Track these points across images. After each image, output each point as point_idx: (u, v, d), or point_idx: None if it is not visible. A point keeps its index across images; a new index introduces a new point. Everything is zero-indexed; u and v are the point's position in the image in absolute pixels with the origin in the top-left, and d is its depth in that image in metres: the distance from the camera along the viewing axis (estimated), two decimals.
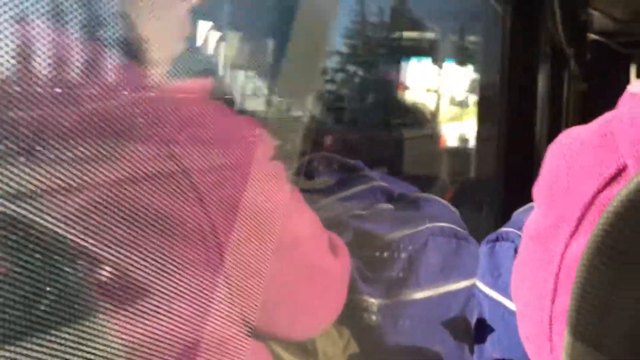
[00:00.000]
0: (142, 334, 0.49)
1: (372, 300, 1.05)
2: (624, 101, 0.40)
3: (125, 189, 0.48)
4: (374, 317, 1.05)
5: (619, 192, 0.23)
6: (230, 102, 0.63)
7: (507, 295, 0.94)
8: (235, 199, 0.56)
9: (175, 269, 0.52)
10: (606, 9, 3.56)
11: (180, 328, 0.52)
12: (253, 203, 0.58)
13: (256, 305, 0.62)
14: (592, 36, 4.07)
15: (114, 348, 0.47)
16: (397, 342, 1.06)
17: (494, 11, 1.80)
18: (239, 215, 0.56)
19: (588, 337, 0.25)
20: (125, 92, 0.48)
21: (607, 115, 0.42)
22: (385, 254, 1.09)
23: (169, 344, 0.51)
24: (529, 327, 0.52)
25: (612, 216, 0.23)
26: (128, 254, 0.49)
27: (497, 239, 1.11)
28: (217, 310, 0.55)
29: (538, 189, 0.55)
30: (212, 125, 0.54)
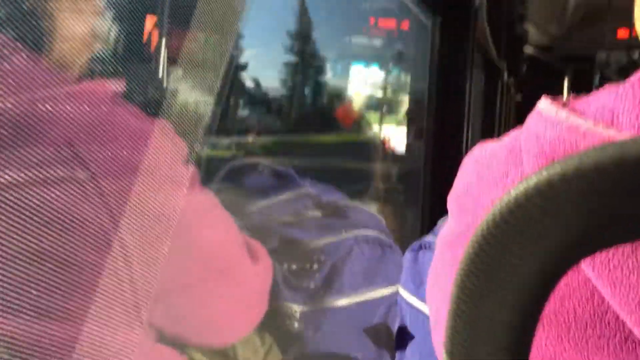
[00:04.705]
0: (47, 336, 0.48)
1: (295, 307, 1.05)
2: (532, 118, 0.41)
3: (27, 191, 0.46)
4: (296, 324, 1.05)
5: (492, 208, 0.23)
6: (151, 103, 0.62)
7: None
8: (143, 202, 0.55)
9: (78, 273, 0.50)
10: (541, 25, 3.68)
11: (84, 331, 0.50)
12: (161, 207, 0.57)
13: (166, 311, 0.61)
14: (529, 50, 4.19)
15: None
16: (319, 349, 1.06)
17: (423, 23, 1.83)
18: (145, 219, 0.55)
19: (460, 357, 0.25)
20: (28, 90, 0.46)
21: (517, 131, 0.43)
22: (310, 262, 1.09)
23: (70, 346, 0.49)
24: (440, 333, 0.53)
25: (482, 231, 0.23)
26: (29, 256, 0.47)
27: (420, 247, 1.13)
28: (122, 313, 0.54)
29: (451, 198, 0.56)
30: (121, 128, 0.53)
